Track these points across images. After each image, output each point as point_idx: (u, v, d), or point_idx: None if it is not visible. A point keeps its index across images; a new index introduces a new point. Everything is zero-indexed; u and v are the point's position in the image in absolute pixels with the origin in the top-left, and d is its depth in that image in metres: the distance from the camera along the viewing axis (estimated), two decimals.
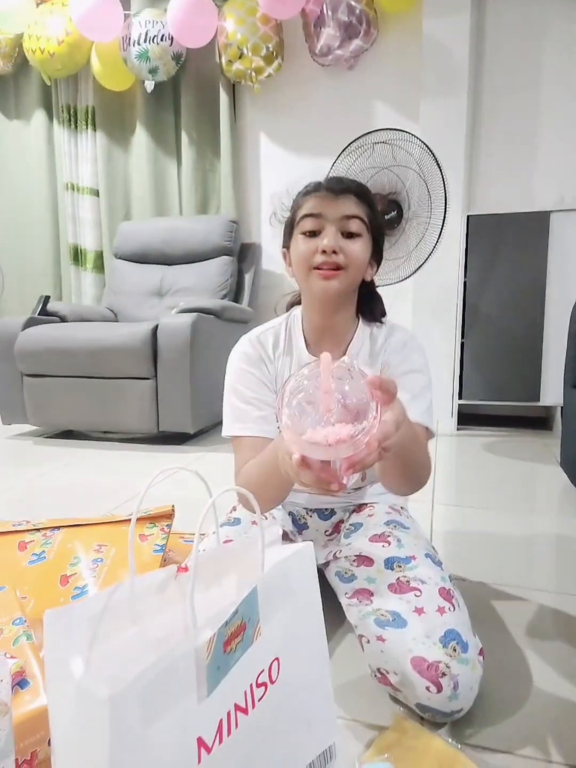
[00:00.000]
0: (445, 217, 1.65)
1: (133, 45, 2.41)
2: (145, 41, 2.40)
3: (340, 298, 0.72)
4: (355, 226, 0.68)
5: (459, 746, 0.51)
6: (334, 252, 0.67)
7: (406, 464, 0.61)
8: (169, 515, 0.83)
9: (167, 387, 1.87)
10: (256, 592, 0.41)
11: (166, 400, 1.88)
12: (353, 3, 2.13)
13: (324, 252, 0.67)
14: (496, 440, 2.03)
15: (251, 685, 0.40)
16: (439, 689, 0.50)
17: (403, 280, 1.75)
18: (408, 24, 2.24)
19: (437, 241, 1.67)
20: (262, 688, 0.41)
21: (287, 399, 0.47)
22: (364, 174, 1.67)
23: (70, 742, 0.36)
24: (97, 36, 2.46)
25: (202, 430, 2.04)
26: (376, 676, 0.56)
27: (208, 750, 0.37)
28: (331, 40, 2.20)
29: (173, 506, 0.85)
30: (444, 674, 0.51)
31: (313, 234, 0.69)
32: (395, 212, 1.78)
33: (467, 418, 2.26)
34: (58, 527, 0.80)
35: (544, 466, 1.68)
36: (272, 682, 0.42)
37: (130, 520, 0.83)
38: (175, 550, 0.87)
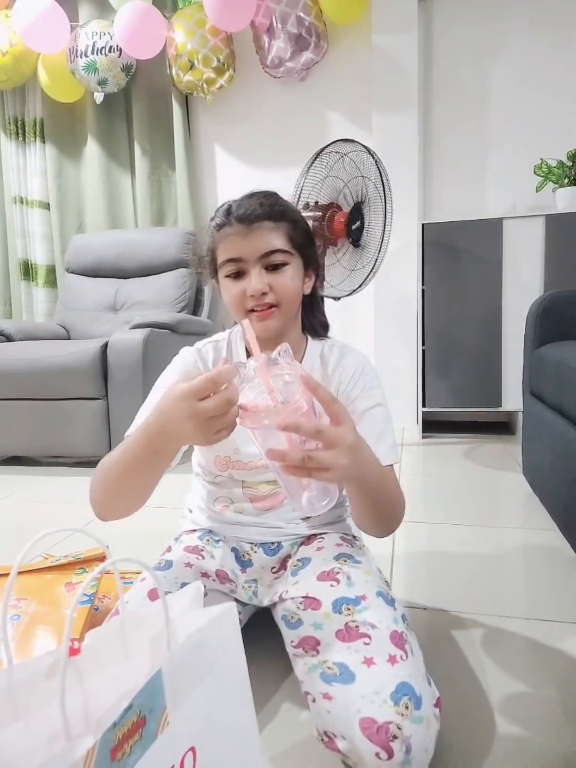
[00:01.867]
0: (384, 224, 1.65)
1: (80, 57, 2.35)
2: (92, 53, 2.33)
3: (281, 330, 0.69)
4: (278, 258, 0.65)
5: None
6: (264, 293, 0.64)
7: (376, 502, 0.60)
8: (101, 558, 0.75)
9: (119, 407, 1.78)
10: (161, 676, 0.34)
11: (119, 420, 1.79)
12: (302, 15, 2.12)
13: (253, 295, 0.64)
14: (461, 447, 2.02)
15: None
16: (391, 755, 0.45)
17: (354, 290, 1.73)
18: (358, 37, 2.25)
19: (379, 250, 1.67)
20: None
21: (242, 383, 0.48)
22: (328, 184, 1.64)
23: None
24: (43, 48, 2.38)
25: None
26: (322, 740, 0.50)
27: None
28: (281, 52, 2.19)
29: (106, 547, 0.77)
30: (395, 737, 0.45)
31: (237, 275, 0.66)
32: (359, 222, 1.76)
33: (432, 425, 2.25)
34: None
35: (507, 474, 1.67)
36: None
37: (56, 566, 0.75)
38: (110, 595, 0.79)
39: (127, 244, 2.39)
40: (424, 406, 2.13)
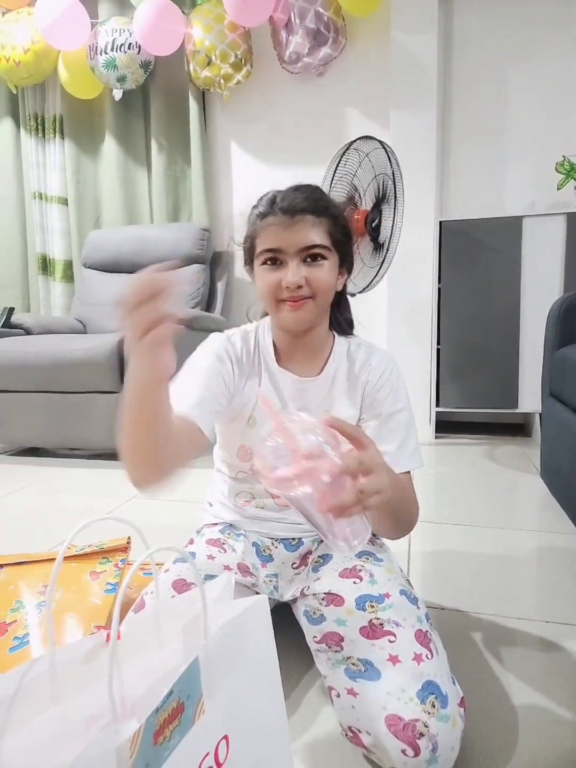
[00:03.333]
0: (394, 220, 1.64)
1: (100, 54, 2.36)
2: (112, 50, 2.35)
3: (312, 323, 0.69)
4: (317, 253, 0.65)
5: None
6: (299, 286, 0.64)
7: (395, 509, 0.61)
8: (124, 549, 0.76)
9: None
10: (198, 664, 0.35)
11: None
12: (321, 10, 2.11)
13: (288, 287, 0.64)
14: (475, 448, 2.01)
15: None
16: (417, 752, 0.45)
17: (365, 288, 1.72)
18: (376, 33, 2.23)
19: (387, 248, 1.66)
20: None
21: (260, 448, 0.48)
22: (347, 182, 1.64)
23: None
24: (64, 45, 2.40)
25: None
26: (346, 734, 0.51)
27: None
28: (299, 47, 2.18)
29: (129, 538, 0.78)
30: (422, 734, 0.45)
31: (274, 263, 0.66)
32: (377, 220, 1.75)
33: (445, 426, 2.23)
34: (0, 565, 0.73)
35: (524, 475, 1.66)
36: (220, 765, 0.36)
37: (80, 555, 0.76)
38: (132, 585, 0.80)
39: (142, 240, 2.41)
40: (437, 406, 2.12)
